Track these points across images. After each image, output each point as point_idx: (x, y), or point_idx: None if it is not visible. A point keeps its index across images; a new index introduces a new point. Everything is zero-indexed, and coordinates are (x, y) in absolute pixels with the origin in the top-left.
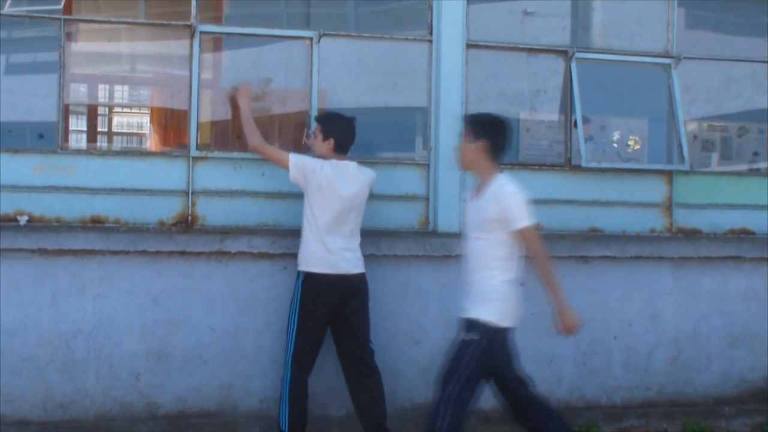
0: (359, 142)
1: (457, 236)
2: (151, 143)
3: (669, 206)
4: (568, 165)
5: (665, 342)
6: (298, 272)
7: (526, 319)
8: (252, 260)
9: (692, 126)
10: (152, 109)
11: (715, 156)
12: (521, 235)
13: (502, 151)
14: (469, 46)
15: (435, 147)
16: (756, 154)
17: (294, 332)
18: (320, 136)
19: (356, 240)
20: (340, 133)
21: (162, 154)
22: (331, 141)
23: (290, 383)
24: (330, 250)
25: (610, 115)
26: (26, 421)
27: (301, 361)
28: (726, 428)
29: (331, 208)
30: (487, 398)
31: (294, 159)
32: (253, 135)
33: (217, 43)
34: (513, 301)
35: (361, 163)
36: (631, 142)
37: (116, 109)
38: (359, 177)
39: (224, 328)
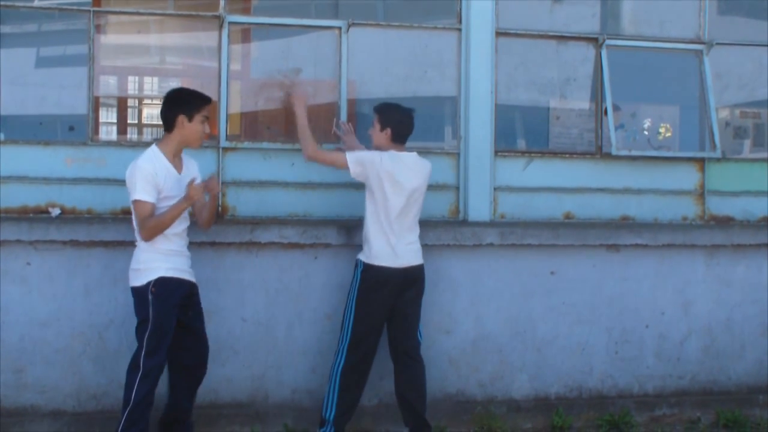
0: None
1: (488, 225)
2: None
3: (701, 194)
4: (599, 153)
5: (698, 330)
6: (357, 261)
7: (558, 308)
8: (282, 250)
9: (724, 113)
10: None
11: (747, 143)
12: None
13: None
14: (499, 34)
15: (465, 136)
16: None
17: (351, 322)
18: (378, 126)
19: (416, 231)
20: (398, 122)
21: None
22: (389, 131)
23: (342, 373)
24: (392, 242)
25: (641, 103)
26: (60, 412)
27: (356, 351)
28: (760, 417)
29: (393, 199)
30: (519, 386)
31: (351, 157)
32: (308, 145)
33: (246, 33)
34: None
35: None
36: (662, 130)
37: (146, 101)
38: (419, 168)
39: (255, 318)
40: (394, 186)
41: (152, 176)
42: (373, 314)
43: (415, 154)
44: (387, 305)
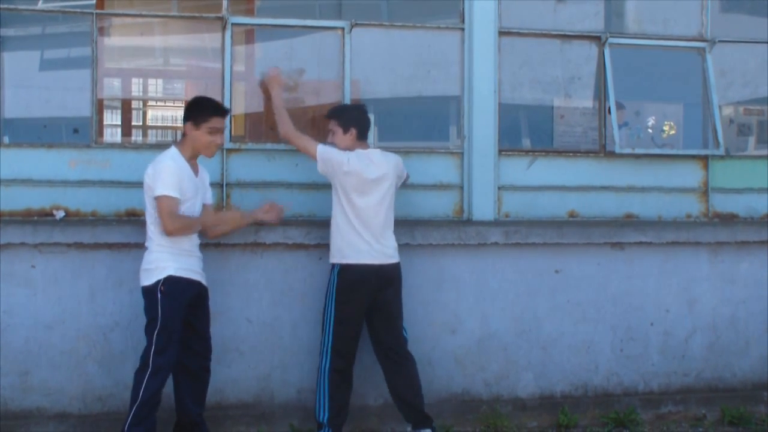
0: (393, 131)
1: (492, 224)
2: None
3: (705, 191)
4: (603, 151)
5: (703, 328)
6: (333, 264)
7: (563, 306)
8: (287, 251)
9: (728, 110)
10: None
11: (751, 140)
12: None
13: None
14: (502, 33)
15: (469, 136)
16: None
17: (331, 324)
18: (339, 131)
19: (389, 229)
20: (358, 121)
21: None
22: (353, 131)
23: (330, 375)
24: (365, 240)
25: (644, 101)
26: (65, 414)
27: (340, 352)
28: (765, 414)
29: (364, 197)
30: (525, 385)
31: (321, 151)
32: (283, 123)
33: (249, 34)
34: None
35: (395, 152)
36: (666, 128)
37: (150, 103)
38: (385, 162)
39: (260, 319)
40: (363, 184)
41: (177, 173)
42: (353, 314)
43: (379, 150)
44: (366, 304)
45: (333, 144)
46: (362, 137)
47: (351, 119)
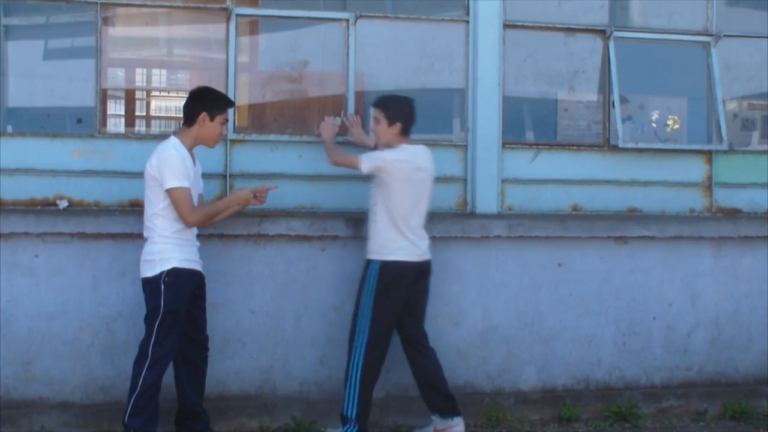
0: None
1: (496, 217)
2: None
3: (709, 186)
4: (607, 145)
5: (705, 322)
6: (370, 260)
7: (565, 300)
8: (290, 243)
9: (732, 105)
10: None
11: (755, 135)
12: None
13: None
14: (506, 26)
15: (472, 128)
16: None
17: (368, 320)
18: (384, 122)
19: (424, 224)
20: (405, 115)
21: None
22: (399, 125)
23: (363, 371)
24: (407, 237)
25: (649, 95)
26: (68, 404)
27: (375, 348)
28: (767, 408)
29: (408, 194)
30: (527, 378)
31: (366, 161)
32: (331, 154)
33: (254, 25)
34: None
35: None
36: (670, 122)
37: (154, 93)
38: (429, 159)
39: (263, 310)
40: (409, 182)
41: (183, 163)
42: (391, 310)
43: (423, 146)
44: (404, 299)
45: (375, 133)
46: (406, 132)
47: (399, 113)
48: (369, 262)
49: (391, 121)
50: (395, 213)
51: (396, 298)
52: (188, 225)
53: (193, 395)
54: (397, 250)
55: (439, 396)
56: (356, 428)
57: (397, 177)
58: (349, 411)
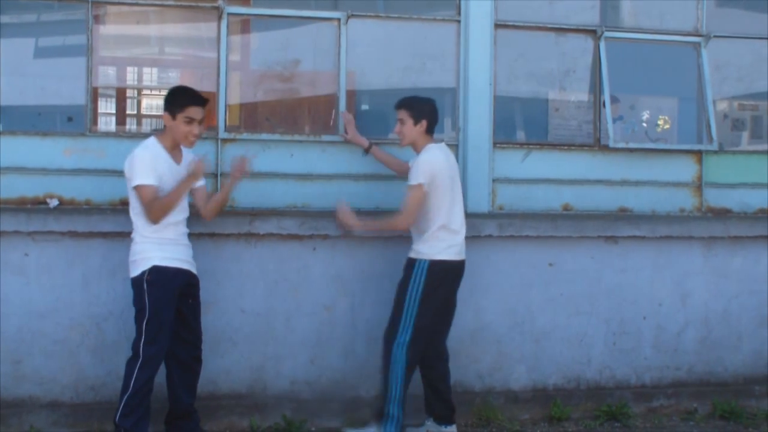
0: (388, 122)
1: (487, 217)
2: None
3: (699, 186)
4: (598, 145)
5: (695, 322)
6: (419, 260)
7: (556, 299)
8: (281, 242)
9: (723, 105)
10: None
11: (745, 135)
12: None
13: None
14: (498, 26)
15: (464, 128)
16: None
17: (413, 320)
18: (410, 122)
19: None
20: (430, 113)
21: None
22: (424, 123)
23: (406, 368)
24: (453, 236)
25: (639, 95)
26: (58, 403)
27: (418, 348)
28: (756, 408)
29: (450, 194)
30: (518, 377)
31: (415, 179)
32: (395, 225)
33: (245, 24)
34: None
35: (389, 145)
36: (660, 122)
37: (145, 92)
38: (453, 156)
39: (254, 309)
40: (451, 181)
41: (151, 161)
42: (437, 309)
43: (443, 143)
44: (449, 298)
45: (400, 135)
46: (431, 131)
47: (424, 111)
48: (414, 261)
49: (416, 120)
50: (442, 212)
51: (442, 297)
52: (151, 221)
53: (184, 395)
54: (447, 250)
55: (441, 402)
56: (398, 425)
57: (444, 177)
58: (392, 408)
